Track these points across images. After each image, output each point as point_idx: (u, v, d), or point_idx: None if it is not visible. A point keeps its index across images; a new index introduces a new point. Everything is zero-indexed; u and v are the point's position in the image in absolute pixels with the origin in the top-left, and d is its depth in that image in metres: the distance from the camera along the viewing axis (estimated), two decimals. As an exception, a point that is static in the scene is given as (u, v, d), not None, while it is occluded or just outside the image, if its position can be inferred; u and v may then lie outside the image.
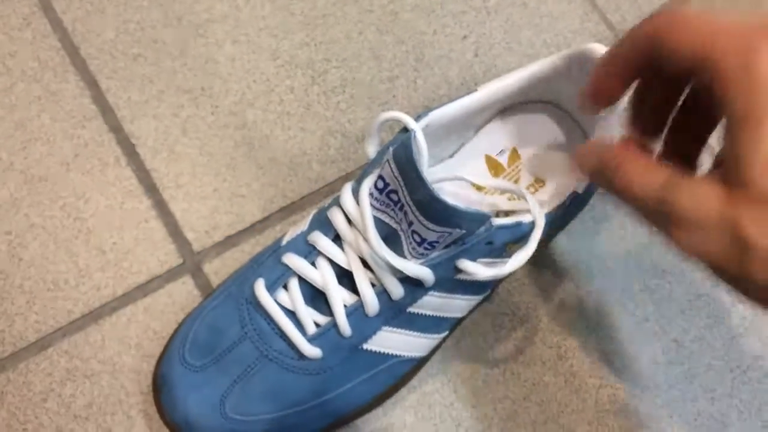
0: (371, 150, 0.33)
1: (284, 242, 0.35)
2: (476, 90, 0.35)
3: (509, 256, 0.31)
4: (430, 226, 0.29)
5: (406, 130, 0.32)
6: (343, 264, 0.33)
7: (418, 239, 0.30)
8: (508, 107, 0.39)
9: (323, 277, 0.33)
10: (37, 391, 0.37)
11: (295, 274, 0.34)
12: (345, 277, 0.33)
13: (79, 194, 0.41)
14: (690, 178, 0.23)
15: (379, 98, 0.45)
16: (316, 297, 0.34)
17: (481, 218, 0.29)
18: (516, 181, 0.39)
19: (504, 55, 0.47)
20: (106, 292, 0.39)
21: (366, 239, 0.31)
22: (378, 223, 0.31)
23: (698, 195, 0.23)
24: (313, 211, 0.36)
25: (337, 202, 0.34)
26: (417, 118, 0.32)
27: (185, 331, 0.35)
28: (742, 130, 0.22)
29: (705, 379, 0.41)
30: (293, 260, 0.34)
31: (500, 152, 0.39)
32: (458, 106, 0.35)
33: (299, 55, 0.46)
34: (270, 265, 0.35)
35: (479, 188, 0.38)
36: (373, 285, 0.33)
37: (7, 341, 0.38)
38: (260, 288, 0.34)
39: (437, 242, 0.30)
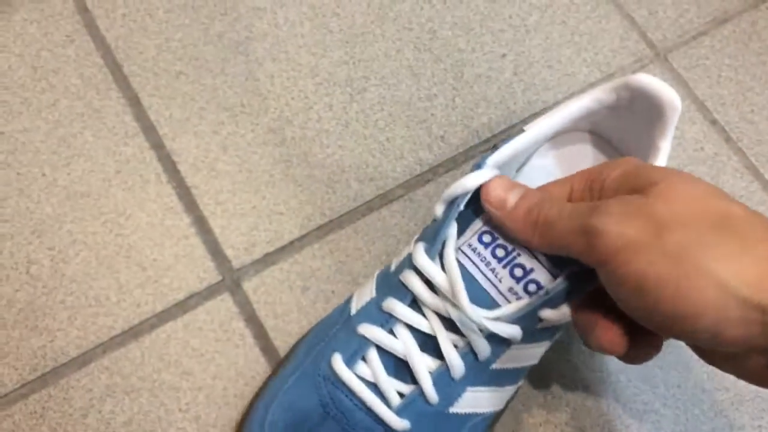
0: (440, 210, 0.32)
1: (353, 311, 0.35)
2: (524, 131, 0.35)
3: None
4: (542, 260, 0.30)
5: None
6: (426, 330, 0.32)
7: (519, 275, 0.30)
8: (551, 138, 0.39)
9: (405, 345, 0.32)
10: (78, 407, 0.37)
11: (373, 344, 0.33)
12: (425, 342, 0.32)
13: (120, 211, 0.41)
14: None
15: (418, 116, 0.45)
16: (398, 366, 0.33)
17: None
18: None
19: (543, 73, 0.47)
20: (146, 309, 0.39)
21: (457, 304, 0.31)
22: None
23: (623, 197, 0.26)
24: (376, 274, 0.36)
25: (409, 266, 0.33)
26: (478, 166, 0.32)
27: (261, 414, 0.34)
28: (629, 175, 0.28)
29: (752, 406, 0.40)
30: (370, 331, 0.33)
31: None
32: (511, 147, 0.34)
33: (338, 73, 0.46)
34: (344, 338, 0.34)
35: None
36: (455, 346, 0.32)
37: (48, 356, 0.38)
38: (338, 363, 0.33)
39: (537, 281, 0.30)
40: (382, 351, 0.33)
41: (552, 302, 0.30)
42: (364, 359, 0.33)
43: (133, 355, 0.38)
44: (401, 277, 0.33)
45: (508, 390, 0.35)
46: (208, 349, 0.39)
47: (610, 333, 0.27)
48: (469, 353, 0.32)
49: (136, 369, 0.38)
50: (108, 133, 0.43)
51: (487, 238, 0.31)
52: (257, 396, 0.36)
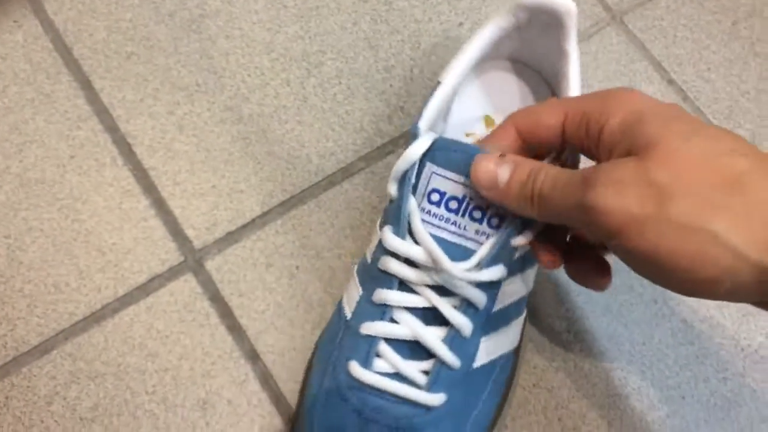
0: (393, 189, 0.32)
1: (349, 315, 0.35)
2: (440, 83, 0.35)
3: None
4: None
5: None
6: (423, 305, 0.32)
7: (479, 216, 0.31)
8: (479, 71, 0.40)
9: (409, 327, 0.32)
10: (42, 395, 0.37)
11: (380, 339, 0.33)
12: (426, 315, 0.33)
13: (76, 196, 0.41)
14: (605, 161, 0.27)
15: (376, 88, 0.45)
16: (412, 348, 0.33)
17: None
18: None
19: (501, 40, 0.47)
20: (107, 294, 0.39)
21: (440, 269, 0.31)
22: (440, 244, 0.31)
23: (617, 162, 0.25)
24: (354, 270, 0.36)
25: (384, 252, 0.33)
26: (414, 135, 0.32)
27: None
28: (626, 126, 0.26)
29: (716, 359, 0.40)
30: (372, 327, 0.33)
31: (479, 118, 0.40)
32: (435, 103, 0.34)
33: (294, 48, 0.45)
34: (351, 344, 0.34)
35: None
36: (454, 307, 0.32)
37: (9, 346, 0.37)
38: (356, 369, 0.33)
39: (497, 214, 0.31)
40: (391, 341, 0.33)
41: (518, 228, 0.31)
42: (378, 355, 0.33)
43: (96, 340, 0.38)
44: (380, 266, 0.33)
45: (517, 324, 0.36)
46: (173, 330, 0.38)
47: (547, 255, 0.30)
48: (468, 308, 0.32)
49: (100, 354, 0.38)
50: (60, 118, 0.42)
51: (435, 197, 0.31)
52: (293, 427, 0.36)
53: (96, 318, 0.38)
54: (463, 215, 0.31)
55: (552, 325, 0.40)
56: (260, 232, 0.41)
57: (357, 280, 0.35)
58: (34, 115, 0.42)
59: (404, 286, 0.33)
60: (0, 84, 0.42)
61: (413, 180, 0.31)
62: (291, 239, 0.41)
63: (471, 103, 0.40)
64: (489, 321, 0.33)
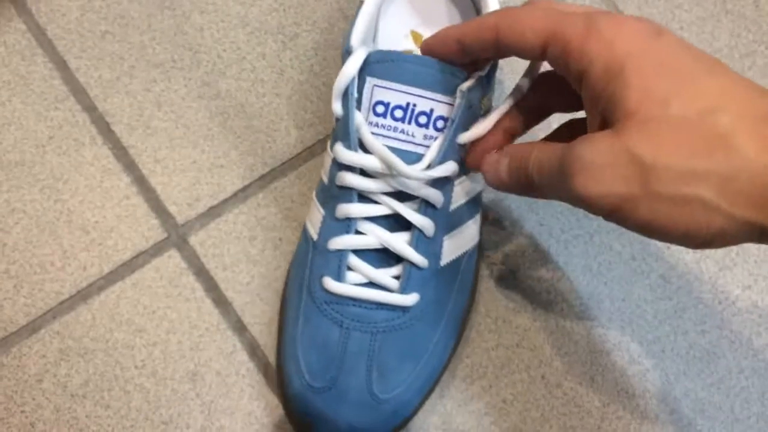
0: (338, 107, 0.33)
1: (315, 237, 0.36)
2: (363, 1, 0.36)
3: (486, 112, 0.33)
4: (434, 96, 0.32)
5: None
6: (384, 212, 0.34)
7: (424, 121, 0.32)
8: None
9: (375, 235, 0.34)
10: (32, 373, 0.37)
11: (349, 251, 0.34)
12: (389, 222, 0.34)
13: (57, 176, 0.41)
14: (580, 138, 0.26)
15: (353, 59, 0.45)
16: (380, 256, 0.35)
17: (457, 72, 0.32)
18: None
19: (475, 6, 0.47)
20: (92, 272, 0.39)
21: (396, 174, 0.32)
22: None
23: (592, 142, 0.25)
24: (313, 195, 0.37)
25: (339, 168, 0.34)
26: (348, 52, 0.33)
27: (294, 365, 0.35)
28: (607, 80, 0.25)
29: (695, 312, 0.41)
30: (340, 242, 0.34)
31: (406, 34, 0.40)
32: (363, 18, 0.35)
33: (269, 21, 0.45)
34: (322, 262, 0.35)
35: None
36: (415, 210, 0.34)
37: (-3, 327, 0.38)
38: (330, 283, 0.34)
39: (441, 116, 0.32)
40: (359, 252, 0.35)
41: (462, 125, 0.32)
42: (349, 268, 0.35)
43: (84, 318, 0.38)
44: (338, 182, 0.34)
45: (475, 222, 0.37)
46: (160, 305, 0.39)
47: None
48: (428, 208, 0.34)
49: (88, 331, 0.38)
50: (37, 99, 0.42)
51: (380, 109, 0.32)
52: (279, 356, 0.37)
53: (82, 296, 0.39)
54: (409, 122, 0.32)
55: (533, 286, 0.41)
56: (242, 205, 0.41)
57: (317, 203, 0.36)
58: (10, 97, 0.42)
59: (364, 197, 0.34)
60: (-26, 67, 0.42)
61: (356, 95, 0.32)
62: (273, 211, 0.41)
63: (396, 20, 0.40)
64: (449, 220, 0.35)
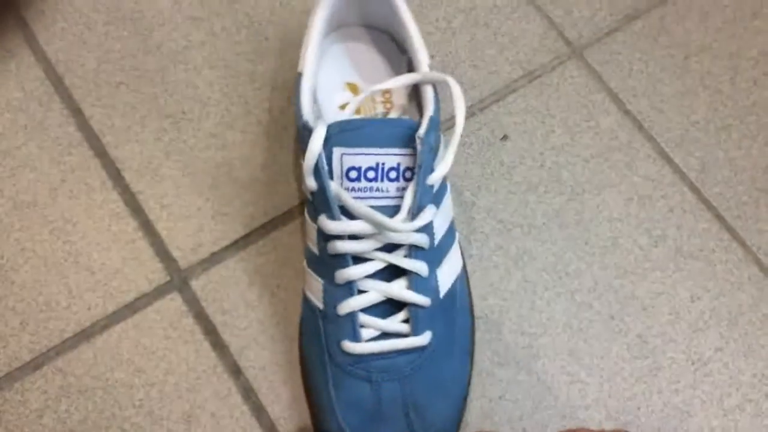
0: (312, 183, 0.35)
1: (321, 306, 0.38)
2: (301, 73, 0.39)
3: (438, 144, 0.36)
4: (398, 151, 0.34)
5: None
6: (380, 266, 0.36)
7: (394, 176, 0.35)
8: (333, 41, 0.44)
9: (379, 291, 0.36)
10: (34, 409, 0.39)
11: (358, 312, 0.36)
12: (385, 274, 0.36)
13: (67, 218, 0.43)
14: None
15: (353, 117, 0.47)
16: (386, 306, 0.37)
17: (412, 124, 0.35)
18: (374, 101, 0.43)
19: (469, 72, 0.50)
20: (96, 312, 0.41)
21: (384, 229, 0.34)
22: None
23: None
24: (304, 265, 0.39)
25: (326, 239, 0.36)
26: (306, 129, 0.36)
27: (336, 428, 0.37)
28: None
29: (669, 372, 0.43)
30: (347, 305, 0.36)
31: (342, 85, 0.43)
32: (305, 93, 0.38)
33: (276, 78, 0.48)
34: (334, 328, 0.37)
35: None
36: (406, 256, 0.36)
37: (2, 361, 0.39)
38: (350, 345, 0.36)
39: (408, 167, 0.35)
40: (367, 309, 0.37)
41: (428, 168, 0.35)
42: (362, 326, 0.37)
43: (86, 356, 0.40)
44: (330, 251, 0.36)
45: (455, 246, 0.40)
46: (159, 346, 0.40)
47: None
48: (417, 252, 0.36)
49: (89, 369, 0.40)
50: (52, 144, 0.44)
51: (353, 174, 0.35)
52: (320, 423, 0.38)
53: (85, 335, 0.40)
54: (382, 180, 0.35)
55: (516, 341, 0.43)
56: (243, 252, 0.43)
57: (312, 273, 0.38)
58: (26, 141, 0.44)
59: (357, 258, 0.36)
60: (-6, 111, 0.45)
61: (326, 167, 0.35)
62: (272, 259, 0.43)
63: (333, 73, 0.43)
64: (437, 254, 0.37)
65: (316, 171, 0.35)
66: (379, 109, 0.42)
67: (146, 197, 0.44)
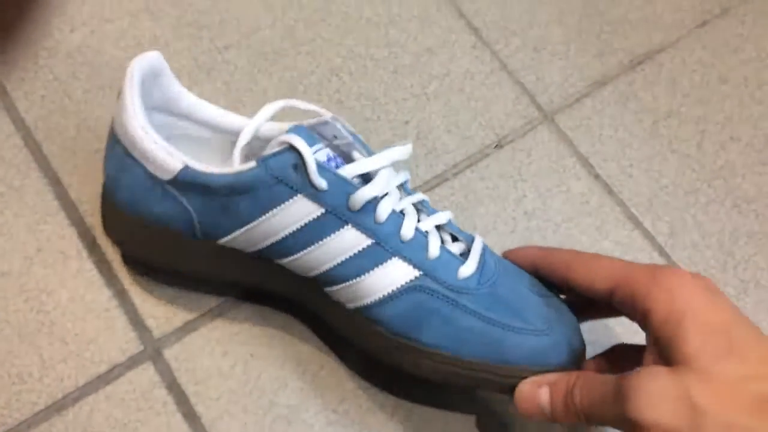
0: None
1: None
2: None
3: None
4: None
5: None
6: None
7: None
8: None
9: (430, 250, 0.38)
10: (3, 484, 0.38)
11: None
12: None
13: (42, 288, 0.43)
14: (642, 370, 0.30)
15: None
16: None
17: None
18: None
19: (443, 137, 0.51)
20: (68, 383, 0.41)
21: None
22: None
23: (656, 376, 0.30)
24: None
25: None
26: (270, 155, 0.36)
27: None
28: (668, 326, 0.31)
29: None
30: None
31: None
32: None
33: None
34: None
35: None
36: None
37: (-28, 436, 0.39)
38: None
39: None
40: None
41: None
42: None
43: (57, 429, 0.40)
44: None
45: None
46: (131, 418, 0.41)
47: None
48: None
49: (60, 442, 0.40)
50: (29, 212, 0.45)
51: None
52: None
53: (57, 407, 0.40)
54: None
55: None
56: (217, 320, 0.44)
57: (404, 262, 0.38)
58: (3, 209, 0.45)
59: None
60: (-29, 180, 0.45)
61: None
62: (246, 327, 0.44)
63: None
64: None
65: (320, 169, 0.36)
66: None
67: (121, 266, 0.44)
